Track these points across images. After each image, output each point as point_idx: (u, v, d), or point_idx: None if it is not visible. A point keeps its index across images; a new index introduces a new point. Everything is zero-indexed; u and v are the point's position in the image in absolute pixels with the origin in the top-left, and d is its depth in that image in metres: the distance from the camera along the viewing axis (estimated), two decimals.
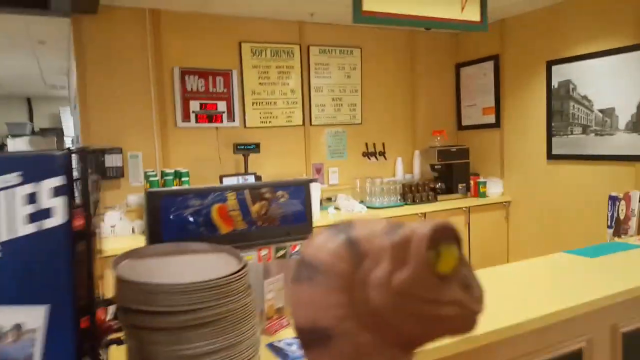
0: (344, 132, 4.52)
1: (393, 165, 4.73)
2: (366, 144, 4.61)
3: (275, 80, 4.11)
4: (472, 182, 4.63)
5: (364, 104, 4.58)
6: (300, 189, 1.71)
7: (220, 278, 1.18)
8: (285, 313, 1.61)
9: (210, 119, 3.81)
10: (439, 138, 4.69)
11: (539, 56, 4.19)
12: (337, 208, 4.09)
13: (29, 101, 8.52)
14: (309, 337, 0.46)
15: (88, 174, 0.97)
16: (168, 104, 3.72)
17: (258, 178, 3.71)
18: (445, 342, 1.32)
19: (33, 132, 8.07)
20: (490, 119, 4.71)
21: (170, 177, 3.28)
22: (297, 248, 1.71)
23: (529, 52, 4.29)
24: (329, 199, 4.26)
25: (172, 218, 1.51)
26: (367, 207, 4.13)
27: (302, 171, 4.30)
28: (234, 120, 3.93)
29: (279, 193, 1.68)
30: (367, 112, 4.60)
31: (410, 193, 4.31)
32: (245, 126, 4.01)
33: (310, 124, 4.32)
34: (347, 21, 4.29)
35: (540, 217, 4.28)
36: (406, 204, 4.27)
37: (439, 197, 4.44)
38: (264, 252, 1.66)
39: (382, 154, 4.68)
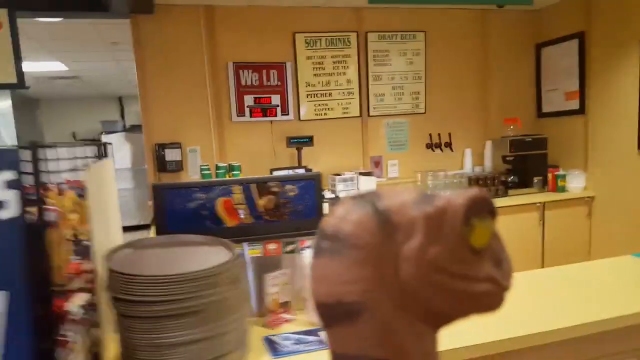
0: (406, 122, 4.31)
1: (460, 157, 4.44)
2: (430, 135, 4.36)
3: (330, 71, 4.02)
4: (549, 175, 4.20)
5: (429, 91, 4.33)
6: (310, 184, 1.62)
7: (194, 272, 1.14)
8: (289, 307, 1.53)
9: (265, 112, 3.82)
10: (512, 127, 4.31)
11: (634, 32, 3.67)
12: None
13: (120, 100, 9.22)
14: (332, 313, 0.43)
15: (39, 169, 0.96)
16: (224, 99, 3.79)
17: (309, 171, 3.64)
18: (507, 337, 1.27)
19: (124, 129, 8.71)
20: (574, 104, 4.23)
21: (223, 171, 3.32)
22: (307, 243, 1.63)
23: (621, 28, 3.77)
24: None
25: (177, 211, 1.50)
26: None
27: (359, 164, 4.17)
28: (288, 114, 3.91)
29: (287, 187, 1.60)
30: (432, 101, 4.35)
31: (478, 187, 4.01)
32: (299, 119, 3.96)
33: (368, 115, 4.18)
34: (409, 4, 4.11)
35: (628, 215, 3.77)
36: None
37: (510, 192, 4.09)
38: (272, 246, 1.59)
39: (449, 145, 4.40)
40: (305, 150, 3.86)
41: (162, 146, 3.58)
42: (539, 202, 3.92)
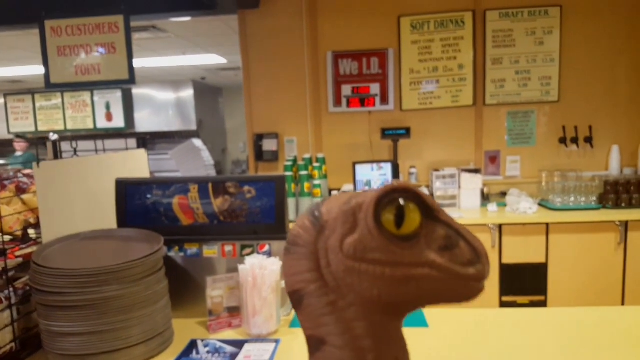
0: (534, 112, 3.69)
1: (605, 156, 3.62)
2: (564, 127, 3.65)
3: (439, 56, 3.65)
4: None
5: (564, 76, 3.61)
6: (269, 185, 1.51)
7: (81, 269, 1.19)
8: (240, 312, 1.48)
9: (362, 102, 3.67)
10: None
11: None
12: (503, 204, 3.40)
13: None
14: (291, 300, 0.53)
15: None
16: (322, 89, 3.76)
17: (397, 167, 3.39)
18: None
19: None
20: None
21: (305, 163, 3.32)
22: (266, 248, 1.54)
23: None
24: (504, 194, 3.57)
25: (136, 206, 1.56)
26: (548, 208, 3.29)
27: (470, 159, 3.72)
28: (388, 103, 3.69)
29: (245, 188, 1.53)
30: (568, 87, 3.62)
31: (615, 194, 3.22)
32: (401, 109, 3.71)
33: (484, 104, 3.68)
34: None
35: None
36: (605, 208, 3.22)
37: None
38: (228, 247, 1.55)
39: (589, 140, 3.63)
40: (405, 143, 3.61)
41: (260, 136, 3.75)
42: None
